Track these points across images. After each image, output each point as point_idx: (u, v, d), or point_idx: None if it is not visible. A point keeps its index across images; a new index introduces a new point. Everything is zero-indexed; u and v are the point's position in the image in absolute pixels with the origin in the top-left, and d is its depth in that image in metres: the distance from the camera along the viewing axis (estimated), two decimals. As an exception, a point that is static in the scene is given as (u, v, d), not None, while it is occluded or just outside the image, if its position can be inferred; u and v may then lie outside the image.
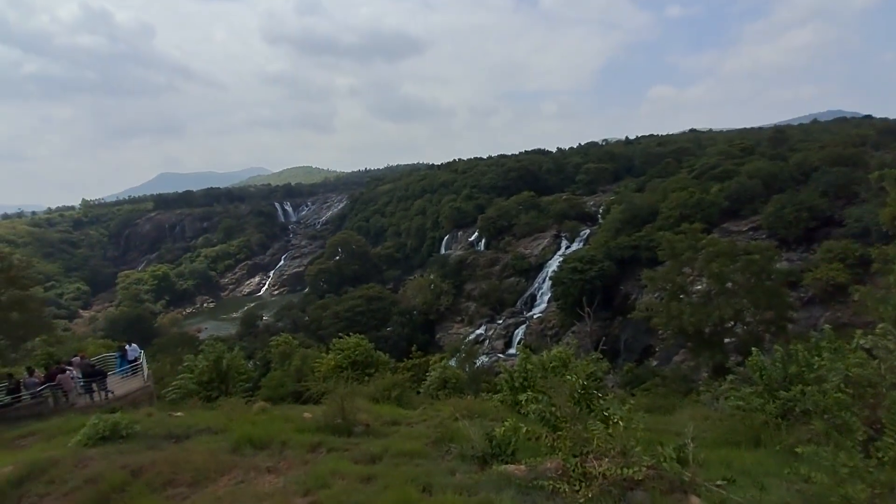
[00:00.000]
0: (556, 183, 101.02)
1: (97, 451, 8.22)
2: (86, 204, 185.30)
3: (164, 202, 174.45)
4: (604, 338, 49.44)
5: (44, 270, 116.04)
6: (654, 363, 45.64)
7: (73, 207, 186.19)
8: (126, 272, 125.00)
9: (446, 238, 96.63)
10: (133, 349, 20.41)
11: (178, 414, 11.99)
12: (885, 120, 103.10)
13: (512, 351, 60.23)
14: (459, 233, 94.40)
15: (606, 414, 5.51)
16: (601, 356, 14.36)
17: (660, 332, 39.76)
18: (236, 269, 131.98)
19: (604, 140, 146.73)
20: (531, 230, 78.30)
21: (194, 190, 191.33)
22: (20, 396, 15.52)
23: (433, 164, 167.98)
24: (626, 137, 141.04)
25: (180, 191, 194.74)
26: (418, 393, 19.68)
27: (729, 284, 28.88)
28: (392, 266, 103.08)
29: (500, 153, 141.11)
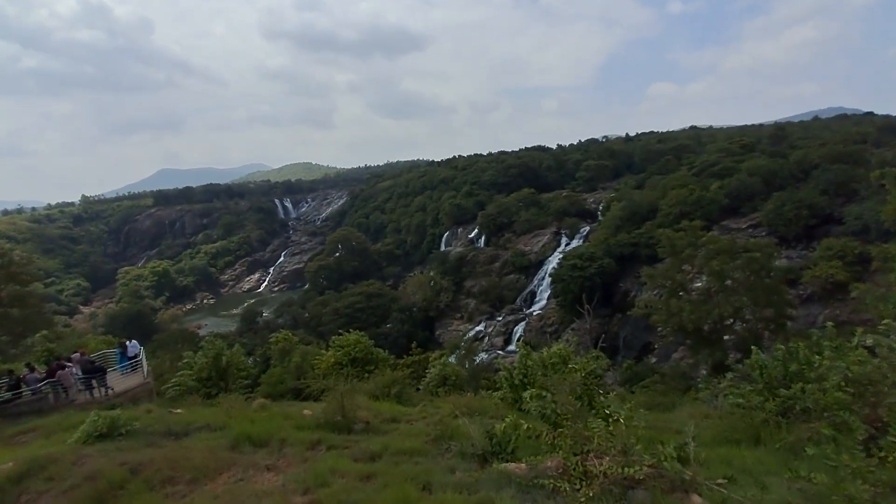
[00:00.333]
0: (557, 180, 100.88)
1: (96, 448, 8.21)
2: (85, 200, 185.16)
3: (163, 198, 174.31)
4: (603, 335, 49.48)
5: (44, 266, 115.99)
6: (653, 360, 45.68)
7: (72, 203, 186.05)
8: (126, 268, 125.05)
9: (446, 235, 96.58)
10: (133, 345, 20.38)
11: (178, 411, 11.98)
12: (887, 117, 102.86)
13: (511, 348, 60.31)
14: (459, 229, 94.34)
15: (608, 412, 5.49)
16: (601, 353, 14.37)
17: (659, 329, 39.77)
18: (236, 266, 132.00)
19: (604, 137, 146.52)
20: (531, 227, 78.25)
21: (194, 186, 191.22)
22: (20, 393, 15.52)
23: (433, 161, 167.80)
24: (627, 134, 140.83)
25: (180, 187, 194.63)
26: (418, 390, 19.68)
27: (729, 282, 28.84)
28: (392, 263, 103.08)
29: (500, 150, 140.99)
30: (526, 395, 6.78)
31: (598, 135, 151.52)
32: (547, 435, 5.46)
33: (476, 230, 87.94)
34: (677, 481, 4.82)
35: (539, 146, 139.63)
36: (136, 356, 19.90)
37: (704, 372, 30.58)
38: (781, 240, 49.71)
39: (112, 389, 17.02)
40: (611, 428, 5.22)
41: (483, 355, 52.36)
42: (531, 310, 66.70)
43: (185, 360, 20.32)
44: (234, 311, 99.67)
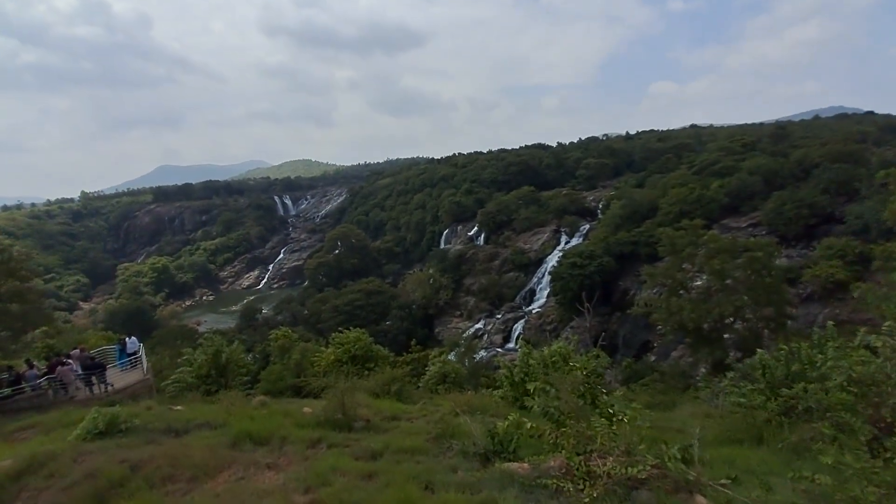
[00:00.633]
0: (557, 178, 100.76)
1: (96, 445, 8.17)
2: (85, 196, 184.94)
3: (163, 195, 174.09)
4: (603, 333, 49.51)
5: (43, 262, 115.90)
6: (653, 358, 45.74)
7: (72, 199, 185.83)
8: (126, 264, 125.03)
9: (446, 232, 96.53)
10: (132, 342, 20.36)
11: (178, 408, 11.96)
12: (888, 116, 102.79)
13: (511, 345, 60.36)
14: (459, 227, 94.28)
15: (612, 411, 5.45)
16: (601, 352, 14.35)
17: (658, 327, 39.80)
18: (235, 263, 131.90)
19: (604, 135, 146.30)
20: (531, 225, 78.21)
21: (193, 183, 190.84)
22: (20, 389, 15.48)
23: (433, 158, 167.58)
24: (627, 133, 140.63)
25: (179, 183, 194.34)
26: (417, 387, 19.67)
27: (729, 281, 28.82)
28: (391, 260, 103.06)
29: (500, 147, 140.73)
30: (530, 386, 6.74)
31: (598, 133, 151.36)
32: (550, 434, 5.43)
33: (476, 228, 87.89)
34: (681, 482, 4.79)
35: (539, 144, 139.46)
36: (135, 352, 19.87)
37: (704, 370, 30.59)
38: (782, 239, 49.70)
39: (112, 386, 16.99)
40: (614, 427, 5.18)
41: (482, 353, 52.37)
42: (530, 308, 66.73)
43: (184, 357, 20.29)
44: (234, 308, 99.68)
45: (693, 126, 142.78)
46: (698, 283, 31.84)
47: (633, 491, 4.70)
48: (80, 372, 16.72)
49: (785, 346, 9.59)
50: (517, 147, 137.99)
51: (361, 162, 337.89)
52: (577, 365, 9.27)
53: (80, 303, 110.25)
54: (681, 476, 4.80)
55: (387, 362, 22.12)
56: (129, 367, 19.28)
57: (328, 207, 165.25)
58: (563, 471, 5.04)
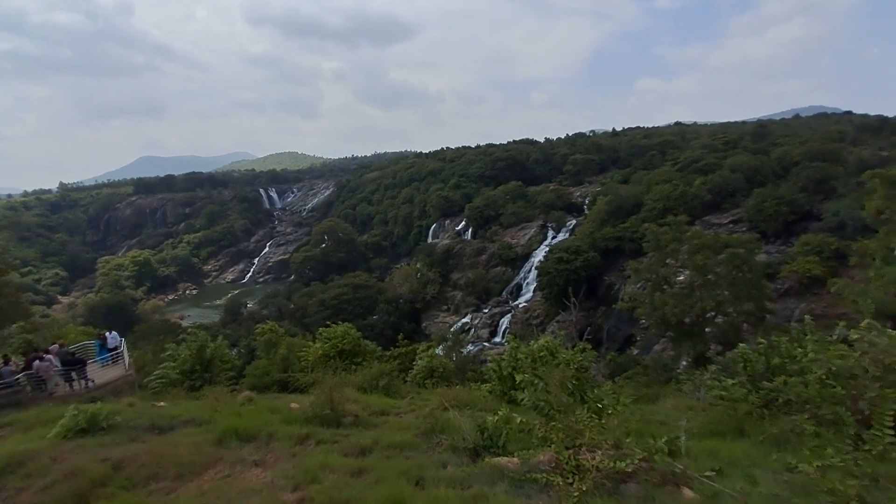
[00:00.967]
0: (544, 173, 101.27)
1: (76, 443, 7.98)
2: (63, 187, 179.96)
3: (144, 186, 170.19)
4: (588, 327, 50.17)
5: (20, 255, 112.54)
6: (636, 352, 46.48)
7: (50, 191, 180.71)
8: (106, 258, 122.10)
9: (433, 227, 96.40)
10: (113, 337, 19.95)
11: (161, 404, 11.75)
12: (865, 116, 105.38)
13: (497, 339, 60.74)
14: (447, 221, 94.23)
15: (601, 405, 5.51)
16: (589, 345, 14.49)
17: (642, 321, 40.46)
18: (220, 256, 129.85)
19: (591, 131, 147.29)
20: (518, 220, 78.55)
21: (176, 174, 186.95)
22: (-4, 385, 15.05)
23: (421, 152, 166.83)
24: (613, 129, 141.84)
25: (161, 175, 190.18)
26: (405, 382, 19.64)
27: (711, 276, 29.39)
28: (379, 254, 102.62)
29: (488, 142, 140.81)
30: (518, 378, 6.77)
31: (585, 129, 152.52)
32: (539, 428, 5.46)
33: (463, 222, 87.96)
34: (668, 474, 4.87)
35: (527, 139, 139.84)
36: (116, 348, 19.47)
37: (685, 363, 31.22)
38: (762, 235, 50.83)
39: (92, 382, 16.64)
40: (603, 421, 5.24)
41: (470, 347, 52.64)
42: (517, 302, 67.18)
43: (168, 352, 19.93)
44: (218, 302, 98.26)
45: (678, 123, 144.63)
46: (681, 278, 32.41)
47: (622, 484, 4.76)
48: (60, 367, 16.32)
49: (765, 340, 9.79)
50: (505, 142, 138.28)
51: (349, 155, 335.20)
52: (567, 359, 9.34)
53: (59, 297, 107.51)
54: (668, 469, 4.88)
55: (374, 357, 22.04)
56: (110, 362, 18.89)
57: (315, 201, 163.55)
58: (553, 465, 5.08)
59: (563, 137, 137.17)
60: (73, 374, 16.37)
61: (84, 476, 6.37)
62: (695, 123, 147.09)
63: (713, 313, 29.56)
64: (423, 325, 69.63)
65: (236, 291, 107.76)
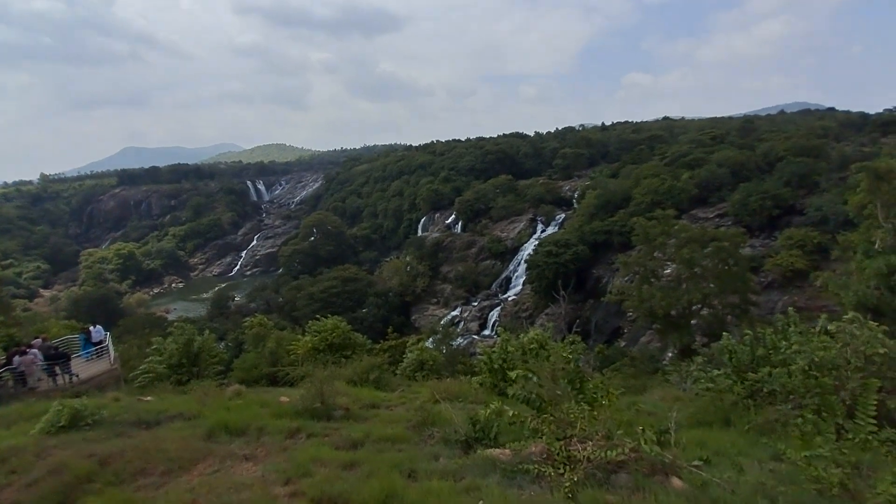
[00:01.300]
0: (534, 167, 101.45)
1: (61, 439, 7.83)
2: (45, 178, 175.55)
3: (129, 178, 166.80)
4: (577, 320, 50.61)
5: (0, 248, 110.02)
6: (623, 344, 47.08)
7: (30, 182, 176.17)
8: (89, 250, 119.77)
9: (423, 220, 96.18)
10: (98, 331, 19.59)
11: (148, 399, 11.60)
12: (847, 113, 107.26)
13: (487, 332, 61.07)
14: (436, 215, 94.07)
15: (595, 395, 5.55)
16: (578, 338, 14.61)
17: (629, 314, 40.92)
18: (206, 249, 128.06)
19: (580, 125, 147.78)
20: (508, 213, 78.73)
21: (161, 166, 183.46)
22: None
23: (411, 145, 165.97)
24: (602, 123, 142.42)
25: (146, 166, 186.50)
26: (395, 374, 19.67)
27: (697, 269, 29.84)
28: (368, 247, 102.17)
29: (478, 135, 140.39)
30: (512, 374, 6.80)
31: (575, 123, 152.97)
32: (531, 421, 5.49)
33: (453, 216, 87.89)
34: (658, 464, 4.93)
35: (517, 133, 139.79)
36: (101, 342, 19.14)
37: (671, 355, 31.74)
38: (746, 229, 51.62)
39: (77, 376, 16.35)
40: (595, 413, 5.28)
41: (459, 340, 52.82)
42: (506, 295, 67.51)
43: (154, 346, 19.66)
44: (205, 296, 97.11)
45: (666, 118, 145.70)
46: (668, 271, 32.84)
47: (613, 474, 4.81)
48: (43, 362, 16.00)
49: (750, 332, 9.95)
50: (495, 135, 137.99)
51: (337, 147, 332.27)
52: (563, 352, 9.38)
53: (41, 290, 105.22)
54: (657, 458, 4.94)
55: (364, 350, 22.01)
56: (94, 356, 18.58)
57: (303, 193, 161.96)
58: (544, 456, 5.12)
59: (552, 131, 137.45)
60: (57, 369, 16.07)
61: (69, 472, 6.25)
62: (683, 118, 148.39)
63: (699, 306, 30.06)
64: (413, 318, 69.66)
65: (223, 285, 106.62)
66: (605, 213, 61.56)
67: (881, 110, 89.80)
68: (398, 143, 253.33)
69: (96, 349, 18.81)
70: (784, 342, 9.34)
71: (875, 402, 5.75)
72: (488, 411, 5.86)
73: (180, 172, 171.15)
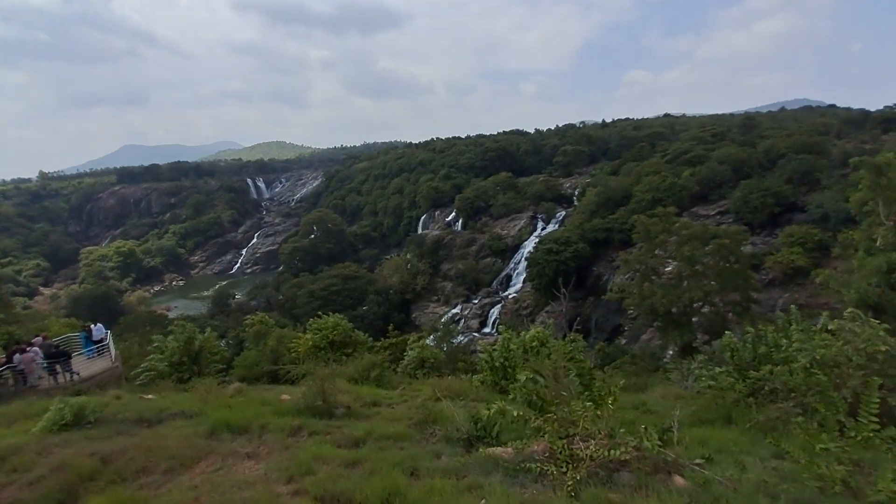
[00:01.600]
0: (534, 164, 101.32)
1: (63, 437, 7.84)
2: (44, 176, 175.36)
3: (128, 176, 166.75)
4: (577, 317, 50.64)
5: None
6: (624, 342, 47.11)
7: (29, 180, 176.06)
8: (89, 248, 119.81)
9: (423, 218, 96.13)
10: (98, 329, 19.62)
11: (149, 397, 11.60)
12: (848, 110, 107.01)
13: (487, 330, 61.12)
14: (437, 212, 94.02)
15: (601, 394, 5.54)
16: (578, 335, 14.62)
17: (630, 311, 40.96)
18: (206, 247, 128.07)
19: (581, 122, 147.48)
20: (508, 211, 78.67)
21: (161, 163, 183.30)
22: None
23: (411, 143, 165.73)
24: (603, 120, 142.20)
25: (145, 164, 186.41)
26: (396, 372, 19.68)
27: (699, 267, 29.83)
28: (368, 245, 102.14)
29: (478, 133, 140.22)
30: (521, 376, 6.79)
31: (575, 120, 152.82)
32: (533, 419, 5.49)
33: (453, 213, 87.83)
34: (660, 462, 4.93)
35: (517, 130, 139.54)
36: (102, 340, 19.17)
37: (672, 353, 31.75)
38: (747, 226, 51.59)
39: (78, 375, 16.38)
40: (598, 411, 5.28)
41: (460, 338, 52.87)
42: (507, 293, 67.54)
43: (155, 344, 19.68)
44: (205, 293, 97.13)
45: (667, 115, 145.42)
46: (669, 268, 32.83)
47: (615, 473, 4.81)
48: (43, 361, 16.02)
49: (751, 330, 9.94)
50: (495, 132, 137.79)
51: (337, 145, 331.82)
52: (566, 349, 9.37)
53: (41, 288, 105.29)
54: (659, 457, 4.94)
55: (365, 348, 22.02)
56: (95, 354, 18.60)
57: (303, 191, 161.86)
58: (547, 455, 5.11)
59: (553, 128, 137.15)
60: (58, 367, 16.09)
61: (72, 470, 6.26)
62: (683, 115, 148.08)
63: (700, 303, 30.05)
64: (414, 315, 69.71)
65: (224, 283, 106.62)
66: (605, 211, 61.51)
67: (882, 107, 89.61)
68: (398, 140, 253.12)
69: (97, 347, 18.84)
70: (785, 340, 9.34)
71: (877, 400, 5.75)
72: (491, 411, 5.86)
73: (180, 170, 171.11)
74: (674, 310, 29.75)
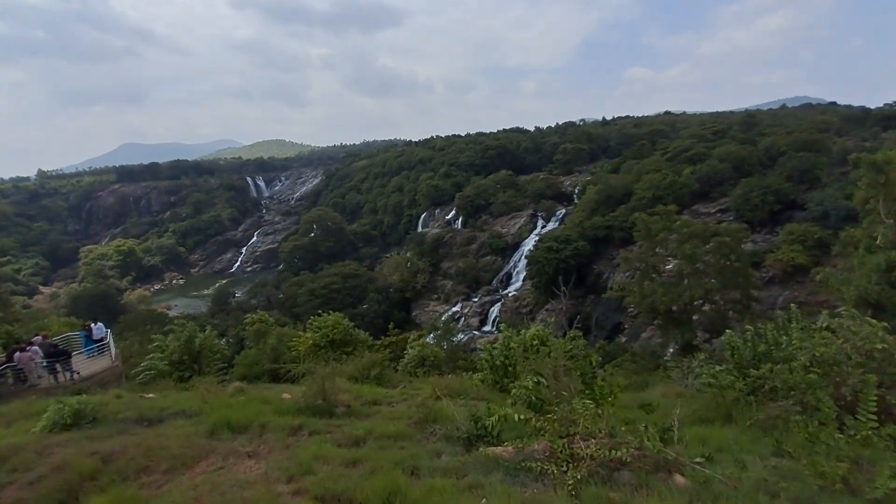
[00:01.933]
0: (534, 162, 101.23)
1: (63, 436, 7.84)
2: (42, 174, 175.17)
3: (128, 174, 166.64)
4: (577, 315, 50.71)
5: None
6: (624, 340, 47.15)
7: (28, 178, 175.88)
8: (89, 247, 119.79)
9: (423, 216, 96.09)
10: (99, 328, 19.63)
11: (150, 396, 11.61)
12: (849, 107, 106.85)
13: (487, 328, 61.16)
14: (437, 211, 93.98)
15: (602, 393, 5.54)
16: (578, 333, 14.62)
17: (630, 309, 40.97)
18: (207, 245, 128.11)
19: (581, 120, 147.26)
20: (508, 209, 78.63)
21: (160, 162, 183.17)
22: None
23: (411, 141, 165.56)
24: (603, 118, 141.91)
25: (145, 162, 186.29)
26: (396, 371, 19.69)
27: (699, 265, 29.82)
28: (368, 243, 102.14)
29: (478, 130, 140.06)
30: (525, 382, 6.78)
31: (575, 118, 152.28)
32: (534, 420, 5.49)
33: (453, 211, 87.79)
34: (660, 461, 4.93)
35: (517, 128, 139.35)
36: (102, 339, 19.18)
37: (672, 351, 31.77)
38: (748, 224, 51.56)
39: (78, 374, 16.38)
40: (599, 411, 5.28)
41: (460, 336, 52.91)
42: (507, 291, 67.56)
43: (155, 343, 19.69)
44: (206, 292, 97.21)
45: (667, 113, 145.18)
46: (669, 266, 32.82)
47: (615, 472, 4.81)
48: (43, 360, 16.03)
49: (751, 328, 9.94)
50: (495, 130, 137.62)
51: (337, 143, 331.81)
52: (566, 347, 9.36)
53: (40, 287, 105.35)
54: (660, 456, 4.94)
55: (365, 346, 22.02)
56: (96, 353, 18.61)
57: (303, 189, 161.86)
58: (547, 454, 5.12)
59: (553, 126, 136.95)
60: (58, 366, 16.10)
61: (72, 470, 6.26)
62: (684, 113, 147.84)
63: (700, 301, 30.04)
64: (414, 314, 69.75)
65: (224, 281, 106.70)
66: (605, 209, 61.47)
67: (882, 104, 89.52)
68: (398, 138, 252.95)
69: (97, 346, 18.84)
70: (785, 338, 9.35)
71: (875, 398, 5.75)
72: (494, 418, 5.86)
73: (180, 168, 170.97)
74: (674, 308, 29.74)
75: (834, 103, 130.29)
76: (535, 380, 6.33)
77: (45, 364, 15.98)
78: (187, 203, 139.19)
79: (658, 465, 4.90)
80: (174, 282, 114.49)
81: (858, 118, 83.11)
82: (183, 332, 19.19)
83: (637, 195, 59.70)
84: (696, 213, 56.28)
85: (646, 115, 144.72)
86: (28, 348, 16.03)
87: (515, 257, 70.81)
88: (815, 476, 4.55)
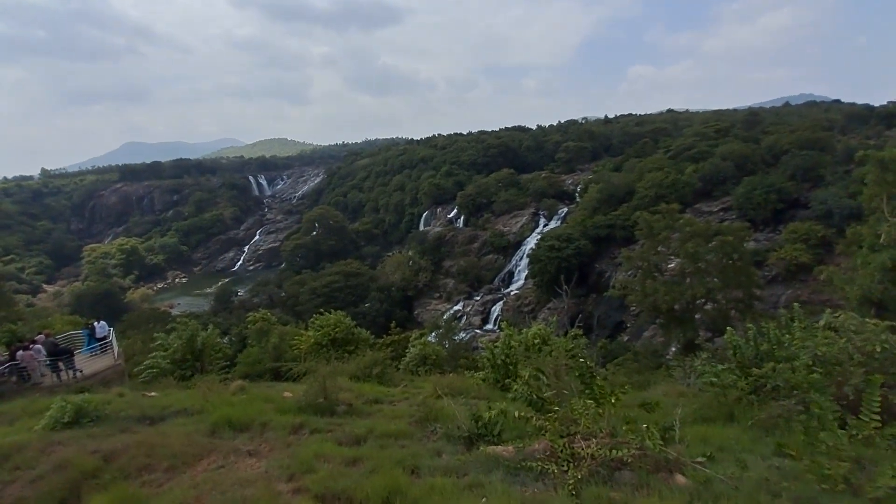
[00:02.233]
0: (536, 161, 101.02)
1: (65, 434, 7.87)
2: (45, 174, 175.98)
3: (130, 173, 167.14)
4: (579, 314, 50.63)
5: (1, 243, 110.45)
6: (626, 338, 47.08)
7: (31, 177, 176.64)
8: (92, 245, 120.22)
9: (425, 214, 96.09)
10: (102, 326, 19.70)
11: (152, 394, 11.65)
12: (853, 105, 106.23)
13: (489, 326, 61.15)
14: (438, 209, 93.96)
15: (603, 393, 5.53)
16: (580, 332, 14.60)
17: (632, 308, 40.93)
18: (209, 244, 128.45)
19: (583, 118, 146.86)
20: (510, 208, 78.55)
21: (162, 161, 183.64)
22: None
23: (412, 139, 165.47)
24: (606, 116, 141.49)
25: (147, 161, 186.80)
26: (398, 369, 19.70)
27: (701, 264, 29.74)
28: (370, 242, 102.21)
29: (480, 129, 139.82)
30: (524, 372, 6.77)
31: (577, 116, 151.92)
32: (535, 419, 5.48)
33: (455, 210, 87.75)
34: (661, 461, 4.92)
35: (519, 126, 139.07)
36: (105, 337, 19.24)
37: (674, 350, 31.72)
38: (751, 223, 51.39)
39: (81, 372, 16.44)
40: (600, 410, 5.26)
41: (462, 334, 52.93)
42: (509, 289, 67.53)
43: (158, 342, 19.74)
44: (208, 291, 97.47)
45: (670, 111, 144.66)
46: (672, 265, 32.74)
47: (616, 471, 4.80)
48: (46, 358, 16.09)
49: (753, 327, 9.90)
50: (497, 129, 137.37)
51: (338, 141, 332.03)
52: (567, 346, 9.34)
53: (44, 285, 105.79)
54: (661, 455, 4.92)
55: (367, 345, 22.03)
56: (98, 352, 18.68)
57: (305, 188, 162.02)
58: (548, 453, 5.11)
59: (555, 124, 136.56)
60: (61, 365, 16.16)
61: (74, 468, 6.29)
62: (687, 111, 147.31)
63: (703, 300, 29.97)
64: (416, 312, 69.80)
65: (226, 280, 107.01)
66: (608, 207, 61.34)
67: (886, 102, 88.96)
68: (399, 137, 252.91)
69: (100, 345, 18.91)
70: (788, 337, 9.31)
71: (878, 398, 5.72)
72: (493, 413, 5.85)
73: (182, 167, 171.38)
74: (676, 307, 29.68)
75: (838, 101, 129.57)
76: (535, 374, 6.31)
77: (47, 362, 16.04)
78: (190, 202, 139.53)
79: (659, 465, 4.89)
80: (177, 280, 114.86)
81: (862, 116, 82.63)
82: (185, 330, 19.23)
83: (639, 194, 59.55)
84: (699, 211, 56.11)
85: (648, 113, 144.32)
86: (31, 347, 16.10)
87: (517, 256, 70.76)
88: (817, 476, 4.53)
